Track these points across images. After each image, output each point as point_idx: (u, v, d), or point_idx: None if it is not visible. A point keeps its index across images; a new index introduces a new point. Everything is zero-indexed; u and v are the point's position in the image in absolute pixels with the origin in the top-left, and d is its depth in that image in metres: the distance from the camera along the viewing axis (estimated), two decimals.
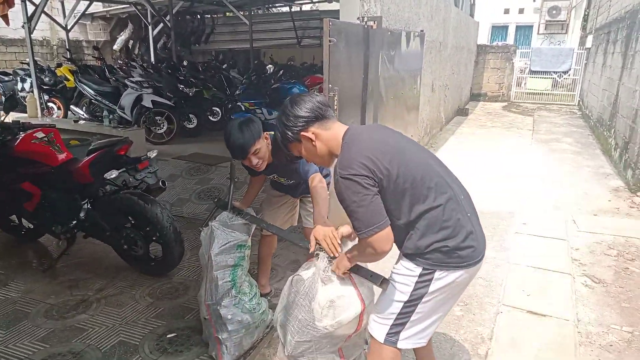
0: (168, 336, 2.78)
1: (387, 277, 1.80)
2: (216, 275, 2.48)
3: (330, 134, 1.78)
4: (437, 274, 1.68)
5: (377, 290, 1.86)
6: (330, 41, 3.27)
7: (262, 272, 3.22)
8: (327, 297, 1.86)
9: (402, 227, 1.70)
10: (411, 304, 1.73)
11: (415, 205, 1.65)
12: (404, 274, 1.75)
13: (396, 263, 1.83)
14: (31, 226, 3.90)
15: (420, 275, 1.70)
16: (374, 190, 1.60)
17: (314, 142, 1.78)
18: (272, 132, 2.59)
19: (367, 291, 1.94)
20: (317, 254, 1.98)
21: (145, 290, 3.31)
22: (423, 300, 1.72)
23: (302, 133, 1.77)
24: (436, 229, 1.66)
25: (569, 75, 13.84)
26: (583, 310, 3.07)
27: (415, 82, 6.03)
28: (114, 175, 3.23)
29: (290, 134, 1.78)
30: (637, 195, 5.37)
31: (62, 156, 3.48)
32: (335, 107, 3.46)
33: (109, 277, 3.49)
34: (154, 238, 3.39)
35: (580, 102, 13.12)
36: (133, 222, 3.43)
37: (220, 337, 2.51)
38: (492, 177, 6.23)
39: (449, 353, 2.62)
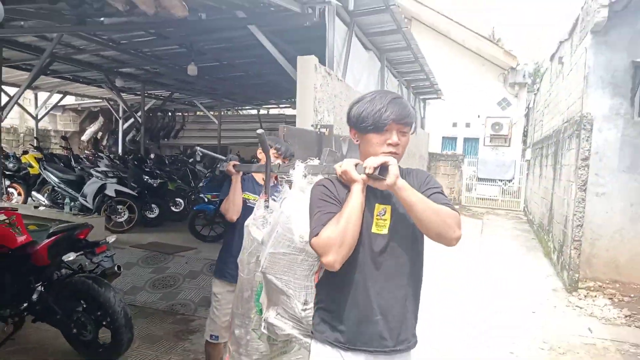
0: None
1: None
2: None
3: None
4: None
5: None
6: None
7: None
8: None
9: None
10: None
11: None
12: None
13: None
14: None
15: None
16: None
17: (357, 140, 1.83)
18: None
19: None
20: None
21: None
22: None
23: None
24: None
25: (513, 183, 15.01)
26: None
27: None
28: (71, 258, 3.32)
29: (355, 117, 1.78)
30: (572, 295, 5.77)
31: (21, 239, 3.53)
32: None
33: None
34: (104, 323, 3.40)
35: (525, 208, 14.08)
36: (85, 306, 3.44)
37: None
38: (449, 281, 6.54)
39: None
